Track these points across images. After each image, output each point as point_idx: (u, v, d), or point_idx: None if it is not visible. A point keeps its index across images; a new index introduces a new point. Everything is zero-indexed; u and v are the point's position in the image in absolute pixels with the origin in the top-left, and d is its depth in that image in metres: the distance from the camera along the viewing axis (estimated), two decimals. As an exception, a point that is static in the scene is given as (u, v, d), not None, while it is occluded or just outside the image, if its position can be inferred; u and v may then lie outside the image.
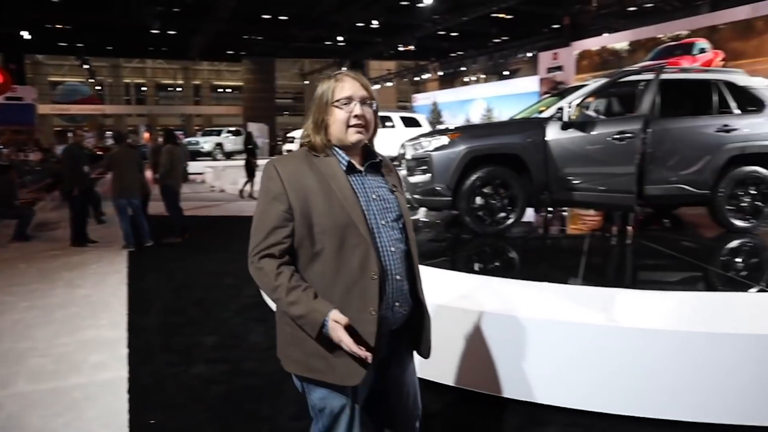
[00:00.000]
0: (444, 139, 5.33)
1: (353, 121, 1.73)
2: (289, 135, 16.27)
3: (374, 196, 1.77)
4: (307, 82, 47.63)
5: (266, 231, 1.69)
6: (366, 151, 1.83)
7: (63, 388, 3.41)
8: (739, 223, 5.33)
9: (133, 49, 39.21)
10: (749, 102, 5.44)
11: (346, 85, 1.73)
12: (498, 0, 23.25)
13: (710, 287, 3.86)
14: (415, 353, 1.96)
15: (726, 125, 5.26)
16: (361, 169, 1.79)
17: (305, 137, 1.79)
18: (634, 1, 21.58)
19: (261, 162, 18.97)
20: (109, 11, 24.92)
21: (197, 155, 23.97)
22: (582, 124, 5.15)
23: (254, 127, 28.72)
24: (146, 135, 31.90)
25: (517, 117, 6.18)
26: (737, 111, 5.40)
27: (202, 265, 6.59)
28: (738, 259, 4.72)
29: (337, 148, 1.77)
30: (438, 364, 3.12)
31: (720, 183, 5.26)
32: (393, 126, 15.28)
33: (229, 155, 26.13)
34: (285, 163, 1.74)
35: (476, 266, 4.43)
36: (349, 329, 1.63)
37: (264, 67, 43.69)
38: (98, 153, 16.35)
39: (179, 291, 5.51)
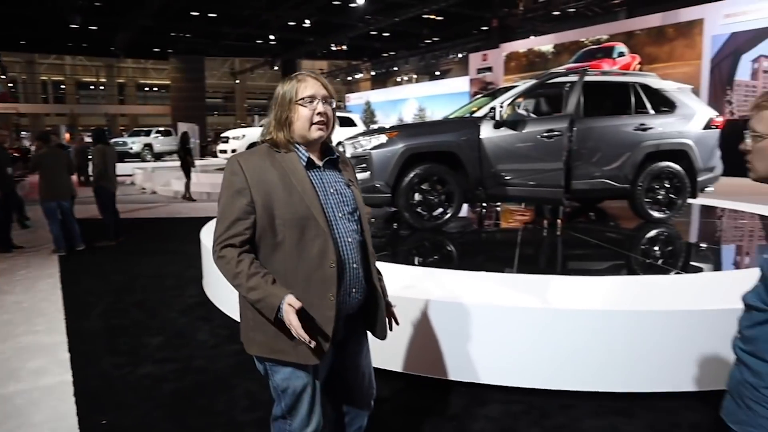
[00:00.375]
0: (382, 138, 5.47)
1: (316, 119, 1.83)
2: (222, 135, 15.95)
3: (332, 190, 1.89)
4: (237, 81, 46.75)
5: (228, 222, 1.78)
6: (324, 148, 1.94)
7: (3, 396, 3.32)
8: (656, 214, 5.79)
9: (50, 45, 37.28)
10: (662, 103, 5.91)
11: (308, 85, 1.83)
12: (429, 1, 23.67)
13: (632, 272, 4.19)
14: (370, 336, 2.09)
15: (643, 124, 5.69)
16: (320, 164, 1.90)
17: (267, 134, 1.88)
18: (557, 6, 22.53)
19: (199, 162, 18.64)
20: (23, 3, 23.59)
21: (125, 156, 23.10)
22: (513, 122, 5.42)
23: (184, 127, 27.99)
24: (67, 136, 30.45)
25: (451, 116, 6.42)
26: (652, 111, 5.85)
27: (141, 267, 6.46)
28: (656, 247, 5.13)
29: (297, 145, 1.87)
30: (386, 352, 3.27)
31: (638, 177, 5.69)
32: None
33: (158, 156, 25.33)
34: (248, 159, 1.83)
35: (417, 259, 4.61)
36: (306, 314, 1.74)
37: (193, 66, 42.55)
38: (14, 155, 15.53)
39: (119, 294, 5.40)
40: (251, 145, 14.63)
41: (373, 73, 38.10)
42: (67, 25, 24.52)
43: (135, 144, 24.69)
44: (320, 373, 1.92)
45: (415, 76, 41.24)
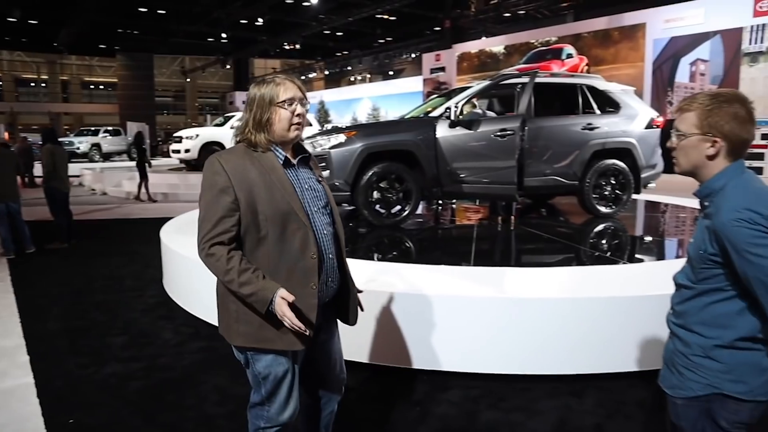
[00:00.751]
0: (341, 137, 5.57)
1: (295, 120, 1.93)
2: (175, 135, 15.66)
3: (307, 186, 2.00)
4: (188, 79, 45.82)
5: (215, 221, 1.86)
6: (296, 147, 2.04)
7: (-39, 399, 3.26)
8: (603, 209, 6.09)
9: (-13, 40, 35.76)
10: (607, 104, 6.23)
11: (288, 88, 1.92)
12: (382, 1, 23.85)
13: (582, 263, 4.43)
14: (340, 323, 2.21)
15: (590, 124, 5.98)
16: (295, 162, 2.00)
17: (244, 135, 1.95)
18: (508, 8, 23.05)
19: (156, 162, 18.25)
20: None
21: (72, 157, 22.32)
22: (468, 122, 5.60)
23: (133, 127, 27.31)
24: (6, 135, 29.20)
25: (407, 116, 6.58)
26: (598, 112, 6.15)
27: (97, 269, 6.35)
28: (603, 240, 5.41)
29: (275, 145, 1.96)
30: (352, 344, 3.37)
31: (586, 174, 5.97)
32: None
33: (107, 156, 24.62)
34: (228, 159, 1.92)
35: (377, 255, 4.74)
36: (292, 305, 1.84)
37: (141, 63, 41.50)
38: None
39: (76, 296, 5.31)
40: (205, 145, 14.61)
41: (326, 72, 37.96)
42: (5, 18, 23.55)
43: (82, 144, 23.88)
44: (299, 359, 2.03)
45: (368, 76, 41.38)
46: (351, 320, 2.16)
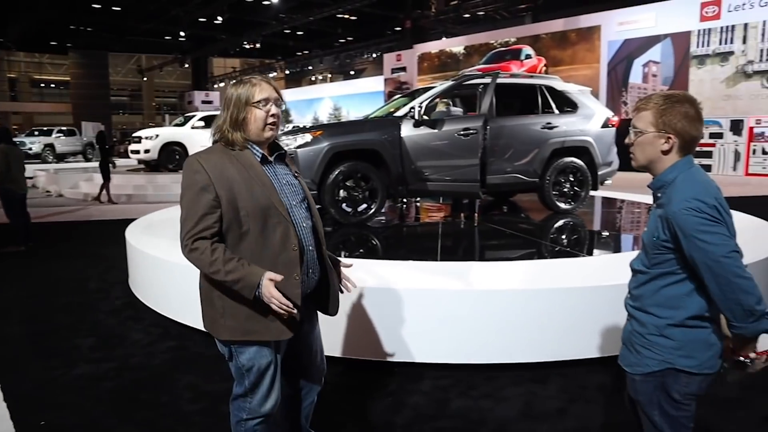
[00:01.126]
0: (307, 137, 5.61)
1: (270, 120, 2.00)
2: (134, 135, 15.35)
3: (284, 182, 2.07)
4: (145, 78, 44.85)
5: (197, 218, 1.91)
6: (272, 144, 2.11)
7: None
8: (562, 205, 6.31)
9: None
10: (565, 104, 6.45)
11: (263, 89, 1.99)
12: (343, 1, 23.88)
13: (543, 257, 4.60)
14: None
15: (549, 123, 6.18)
16: (271, 159, 2.07)
17: (221, 134, 2.01)
18: (468, 9, 23.40)
19: (123, 162, 17.80)
20: None
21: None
22: (432, 121, 5.72)
23: (89, 126, 26.63)
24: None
25: (372, 116, 6.67)
26: (557, 111, 6.37)
27: (59, 272, 6.22)
28: (563, 235, 5.62)
29: (251, 143, 2.03)
30: (325, 338, 3.43)
31: (546, 172, 6.17)
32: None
33: (61, 157, 23.93)
34: (207, 158, 1.97)
35: (344, 253, 4.80)
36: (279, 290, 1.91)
37: (95, 62, 40.50)
38: None
39: (38, 299, 5.20)
40: (165, 145, 14.39)
41: (287, 72, 37.79)
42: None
43: (34, 144, 23.17)
44: (281, 350, 2.10)
45: (329, 76, 41.33)
46: (332, 311, 2.24)
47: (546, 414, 2.94)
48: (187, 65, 38.66)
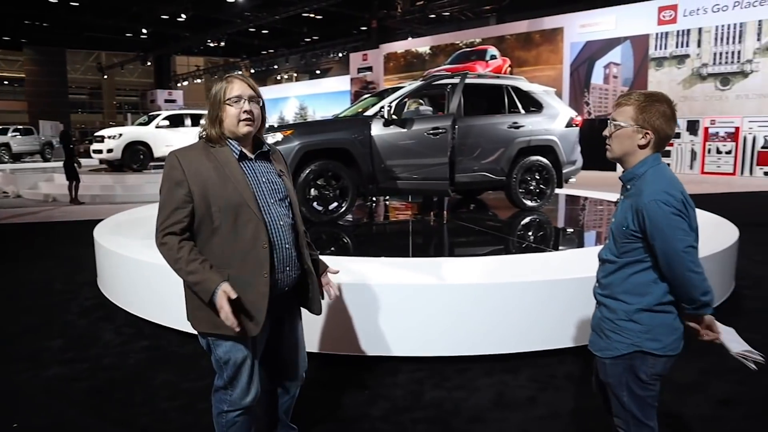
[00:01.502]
0: (278, 136, 5.63)
1: (243, 116, 2.04)
2: (97, 134, 14.98)
3: (264, 179, 2.11)
4: (105, 76, 43.77)
5: (169, 212, 1.97)
6: (256, 142, 2.15)
7: None
8: (529, 202, 6.48)
9: None
10: (531, 104, 6.62)
11: (235, 86, 2.04)
12: (309, 0, 23.80)
13: (511, 252, 4.74)
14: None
15: (515, 123, 6.34)
16: (252, 156, 2.11)
17: (203, 131, 2.07)
18: (434, 9, 23.60)
19: (85, 162, 17.32)
20: None
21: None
22: (402, 121, 5.80)
23: (47, 125, 25.91)
24: None
25: (341, 116, 6.73)
26: (523, 111, 6.53)
27: (21, 274, 6.08)
28: (530, 231, 5.77)
29: (230, 140, 2.07)
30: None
31: (513, 170, 6.33)
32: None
33: (17, 157, 23.20)
34: (185, 154, 2.03)
35: (318, 251, 4.84)
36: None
37: (52, 58, 39.34)
38: None
39: (0, 301, 5.09)
40: (129, 145, 14.12)
41: (252, 71, 37.41)
42: None
43: (-11, 143, 22.44)
44: (258, 345, 2.14)
45: (295, 75, 41.10)
46: (315, 310, 2.29)
47: (517, 402, 3.05)
48: (149, 63, 37.90)
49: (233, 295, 1.90)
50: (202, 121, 2.13)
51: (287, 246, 2.12)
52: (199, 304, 2.02)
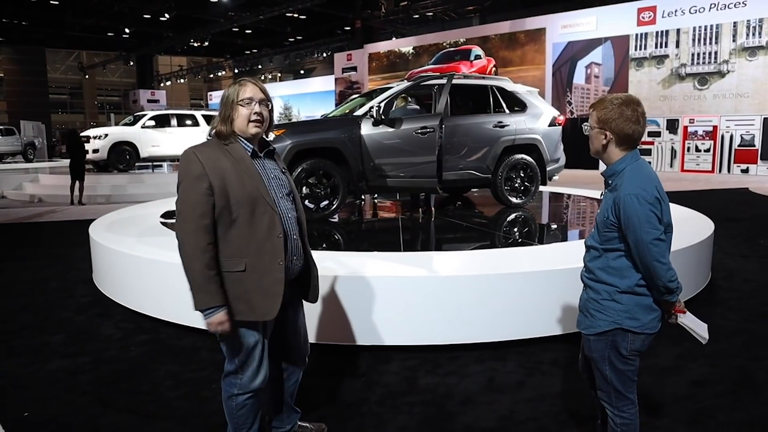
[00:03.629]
0: (270, 135, 5.76)
1: (253, 117, 2.20)
2: (83, 134, 14.92)
3: (272, 176, 2.27)
4: (86, 76, 43.32)
5: (193, 204, 2.09)
6: (262, 142, 2.30)
7: None
8: (514, 199, 6.67)
9: None
10: (515, 104, 6.81)
11: (248, 89, 2.20)
12: (293, 0, 23.84)
13: (497, 246, 4.91)
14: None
15: (500, 122, 6.52)
16: (261, 155, 2.26)
17: (216, 129, 2.21)
18: (417, 9, 23.77)
19: (49, 164, 17.15)
20: None
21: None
22: (391, 120, 5.95)
23: (29, 126, 25.63)
24: None
25: (331, 115, 6.86)
26: (507, 111, 6.72)
27: (13, 273, 6.11)
28: (516, 227, 5.96)
29: (241, 138, 2.21)
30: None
31: (498, 168, 6.52)
32: (198, 124, 15.02)
33: None
34: (202, 150, 2.16)
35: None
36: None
37: (31, 57, 38.85)
38: None
39: (-5, 299, 5.16)
40: (115, 145, 14.09)
41: (236, 70, 37.31)
42: None
43: (-32, 144, 22.14)
44: (268, 330, 2.29)
45: (279, 75, 41.05)
46: (311, 298, 2.47)
47: (507, 386, 3.22)
48: (131, 63, 37.62)
49: (228, 330, 2.11)
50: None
51: (294, 237, 2.29)
52: None
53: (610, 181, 2.11)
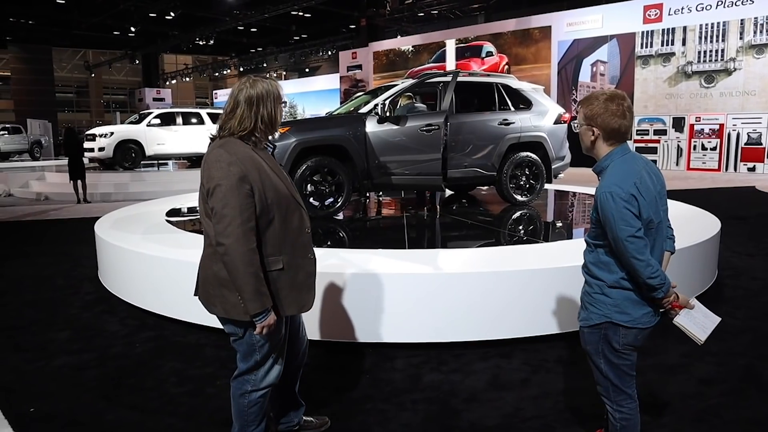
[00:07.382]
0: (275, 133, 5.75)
1: (281, 119, 2.22)
2: (88, 133, 14.95)
3: (283, 174, 2.26)
4: (92, 75, 43.41)
5: (239, 208, 2.02)
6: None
7: None
8: (519, 197, 6.65)
9: None
10: (521, 101, 6.79)
11: (280, 89, 2.18)
12: (298, -1, 23.81)
13: (502, 244, 4.90)
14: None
15: (506, 119, 6.51)
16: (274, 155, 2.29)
17: (242, 130, 2.11)
18: (422, 7, 23.73)
19: (55, 162, 17.25)
20: None
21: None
22: (395, 118, 5.94)
23: (36, 124, 25.76)
24: None
25: (336, 113, 6.86)
26: (512, 108, 6.70)
27: (19, 270, 6.14)
28: (521, 225, 5.95)
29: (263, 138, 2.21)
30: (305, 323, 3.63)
31: (503, 166, 6.50)
32: (203, 123, 15.05)
33: (5, 156, 23.05)
34: (236, 150, 2.08)
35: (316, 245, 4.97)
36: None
37: (38, 56, 38.97)
38: None
39: (2, 296, 5.17)
40: (120, 143, 14.13)
41: (241, 69, 37.31)
42: None
43: (-24, 143, 22.27)
44: (287, 325, 2.34)
45: (284, 73, 41.03)
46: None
47: (511, 384, 3.21)
48: (137, 61, 37.69)
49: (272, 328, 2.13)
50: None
51: (310, 232, 2.31)
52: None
53: (599, 178, 2.13)
